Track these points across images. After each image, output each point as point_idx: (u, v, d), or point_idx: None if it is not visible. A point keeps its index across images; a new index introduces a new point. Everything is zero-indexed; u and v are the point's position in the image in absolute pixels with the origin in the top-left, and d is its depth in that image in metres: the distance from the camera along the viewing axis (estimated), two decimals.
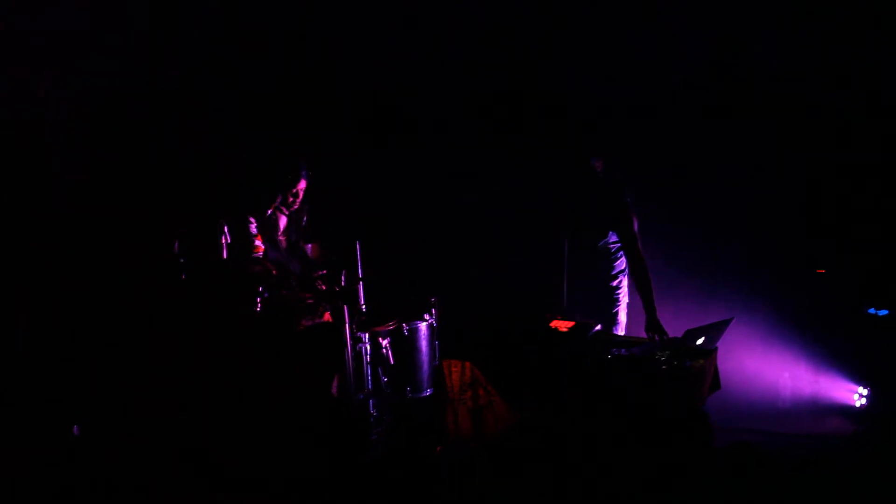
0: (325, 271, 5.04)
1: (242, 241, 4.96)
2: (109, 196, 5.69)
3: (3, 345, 5.28)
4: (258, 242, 5.03)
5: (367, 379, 5.02)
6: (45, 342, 5.36)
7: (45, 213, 5.55)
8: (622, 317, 5.18)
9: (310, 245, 5.34)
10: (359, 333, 5.02)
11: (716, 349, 4.52)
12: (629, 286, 5.15)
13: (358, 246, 5.08)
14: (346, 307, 4.79)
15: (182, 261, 4.89)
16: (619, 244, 5.07)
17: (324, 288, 5.00)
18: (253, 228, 5.02)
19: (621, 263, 5.13)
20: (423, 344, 5.16)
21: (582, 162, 5.04)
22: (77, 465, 4.48)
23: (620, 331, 5.16)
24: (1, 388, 5.09)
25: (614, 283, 5.15)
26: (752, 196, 5.95)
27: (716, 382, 4.57)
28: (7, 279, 5.40)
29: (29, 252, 5.44)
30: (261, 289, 4.81)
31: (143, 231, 5.59)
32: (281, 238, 5.22)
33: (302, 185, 5.13)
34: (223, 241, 4.84)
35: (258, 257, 4.97)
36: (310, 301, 5.07)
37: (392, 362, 5.09)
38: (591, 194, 5.04)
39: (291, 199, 5.15)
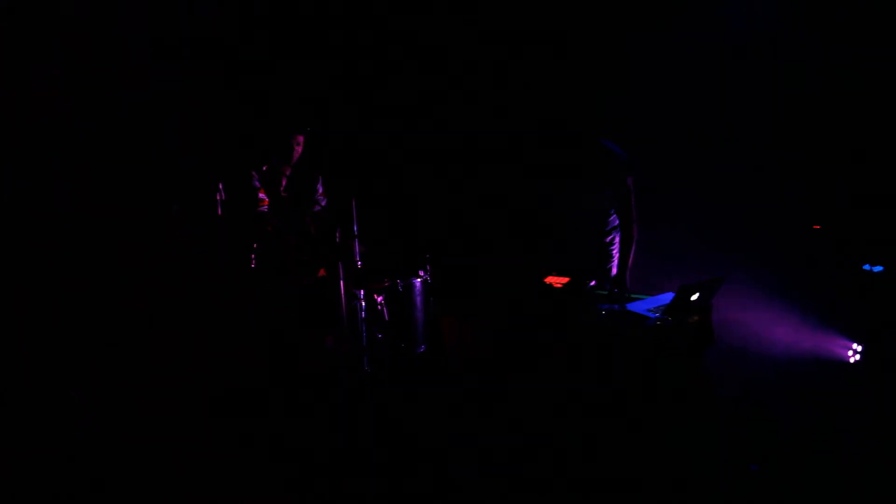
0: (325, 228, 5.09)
1: (246, 196, 5.02)
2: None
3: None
4: (262, 195, 5.08)
5: (363, 335, 5.04)
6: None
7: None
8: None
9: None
10: (354, 290, 5.03)
11: (710, 305, 4.53)
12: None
13: (353, 203, 5.08)
14: (340, 264, 4.80)
15: (179, 216, 4.92)
16: (613, 200, 5.06)
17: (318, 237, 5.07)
18: (256, 182, 5.08)
19: (615, 219, 5.12)
20: (418, 300, 5.17)
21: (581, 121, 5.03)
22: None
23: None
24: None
25: (608, 240, 5.14)
26: (749, 160, 5.97)
27: (710, 337, 4.58)
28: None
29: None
30: (255, 245, 4.83)
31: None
32: (284, 194, 5.24)
33: (300, 137, 5.17)
34: (218, 197, 4.87)
35: (263, 211, 5.03)
36: (305, 258, 5.09)
37: (387, 318, 5.10)
38: (587, 150, 5.02)
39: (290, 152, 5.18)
